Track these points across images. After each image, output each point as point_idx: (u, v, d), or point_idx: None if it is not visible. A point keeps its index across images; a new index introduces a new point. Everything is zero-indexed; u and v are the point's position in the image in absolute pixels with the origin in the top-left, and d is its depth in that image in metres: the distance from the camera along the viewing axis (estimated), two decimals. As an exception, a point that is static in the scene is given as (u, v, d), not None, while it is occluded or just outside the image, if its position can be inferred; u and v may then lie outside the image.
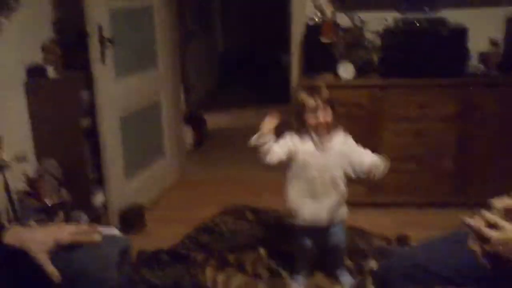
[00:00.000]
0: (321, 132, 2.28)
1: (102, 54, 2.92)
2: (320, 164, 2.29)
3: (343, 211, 2.41)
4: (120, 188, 3.23)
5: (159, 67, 3.69)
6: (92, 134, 3.06)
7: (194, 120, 4.94)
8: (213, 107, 6.36)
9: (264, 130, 2.26)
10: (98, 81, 2.93)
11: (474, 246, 1.23)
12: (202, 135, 5.06)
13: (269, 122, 2.26)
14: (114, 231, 2.18)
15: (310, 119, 2.27)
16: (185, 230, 3.10)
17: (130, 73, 3.30)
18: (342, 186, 2.34)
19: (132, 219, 3.18)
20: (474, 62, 3.34)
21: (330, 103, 2.29)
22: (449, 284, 1.35)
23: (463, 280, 1.36)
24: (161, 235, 3.09)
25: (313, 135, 2.29)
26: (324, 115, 2.26)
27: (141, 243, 2.87)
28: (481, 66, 3.28)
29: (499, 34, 3.35)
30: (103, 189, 3.13)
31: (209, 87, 7.39)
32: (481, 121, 3.18)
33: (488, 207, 1.30)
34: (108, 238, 1.54)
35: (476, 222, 1.24)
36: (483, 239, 1.20)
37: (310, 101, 2.26)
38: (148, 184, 3.59)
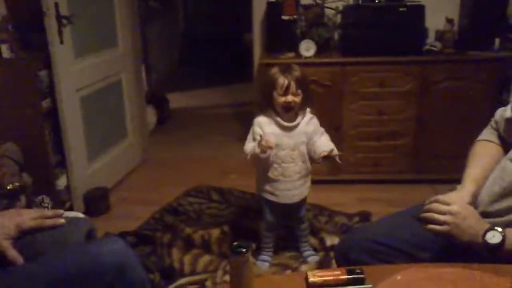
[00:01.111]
0: (285, 112, 2.27)
1: (60, 33, 2.85)
2: (288, 144, 2.30)
3: (307, 187, 2.46)
4: (83, 170, 3.19)
5: (119, 46, 3.63)
6: (53, 116, 2.99)
7: (156, 99, 4.90)
8: (176, 87, 6.31)
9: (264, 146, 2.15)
10: (56, 61, 2.86)
11: (429, 226, 1.31)
12: (165, 115, 5.03)
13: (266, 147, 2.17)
14: (78, 214, 2.17)
15: (279, 98, 2.24)
16: (150, 211, 3.10)
17: (90, 52, 3.23)
18: (309, 163, 2.38)
19: (96, 202, 3.15)
20: (431, 40, 3.42)
21: (302, 82, 2.26)
22: (408, 258, 1.41)
23: (421, 254, 1.43)
24: (126, 216, 3.08)
25: (280, 114, 2.29)
26: (294, 96, 2.23)
27: (106, 225, 2.86)
28: (438, 44, 3.36)
29: (455, 12, 3.43)
30: (66, 172, 3.09)
31: (171, 66, 7.31)
32: (438, 98, 3.27)
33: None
34: (72, 222, 1.54)
35: (432, 206, 1.32)
36: (438, 222, 1.29)
37: (280, 79, 2.23)
38: (112, 166, 3.56)
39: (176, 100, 5.66)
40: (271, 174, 2.35)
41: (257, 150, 2.18)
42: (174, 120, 5.18)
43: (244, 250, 0.76)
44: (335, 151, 2.21)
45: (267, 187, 2.40)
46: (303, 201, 2.48)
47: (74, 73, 3.04)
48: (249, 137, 2.33)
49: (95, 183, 3.24)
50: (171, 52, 7.45)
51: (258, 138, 2.22)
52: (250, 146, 2.28)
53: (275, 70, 2.28)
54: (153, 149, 4.25)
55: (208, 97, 6.26)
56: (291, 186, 2.37)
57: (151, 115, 4.67)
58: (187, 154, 4.24)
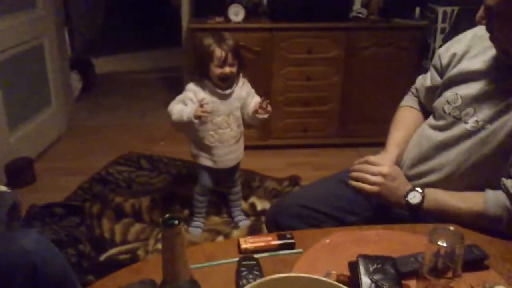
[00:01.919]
0: (223, 83, 2.28)
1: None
2: (223, 110, 2.32)
3: (242, 151, 2.49)
4: (4, 140, 3.03)
5: (38, 6, 3.44)
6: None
7: (81, 64, 4.70)
8: (101, 51, 6.06)
9: (197, 113, 2.16)
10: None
11: (357, 185, 1.36)
12: (90, 81, 4.84)
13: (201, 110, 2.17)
14: (1, 187, 2.08)
15: (216, 70, 2.23)
16: (78, 181, 3.02)
17: (3, 13, 3.03)
18: (242, 127, 2.42)
19: (20, 173, 3.02)
20: (357, 7, 3.50)
21: (237, 52, 2.27)
22: (337, 222, 1.47)
23: (348, 217, 1.50)
24: (53, 187, 2.99)
25: (214, 83, 2.28)
26: (230, 67, 2.24)
27: (31, 197, 2.77)
28: (364, 11, 3.44)
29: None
30: (-16, 142, 2.93)
31: (96, 29, 7.01)
32: (363, 64, 3.37)
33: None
34: (-5, 196, 1.48)
35: (362, 167, 1.37)
36: (368, 182, 1.34)
37: (218, 51, 2.21)
38: (35, 134, 3.41)
39: (102, 65, 5.45)
40: (207, 141, 2.36)
41: (190, 115, 2.17)
42: (100, 86, 5.01)
43: (176, 221, 0.77)
44: (265, 101, 2.26)
45: (204, 153, 2.41)
46: (238, 164, 2.53)
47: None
48: (178, 99, 2.31)
49: (18, 153, 3.10)
50: (95, 14, 7.13)
51: (190, 103, 2.22)
52: (176, 108, 2.25)
53: (209, 41, 2.25)
54: (78, 116, 4.11)
55: (135, 62, 6.08)
56: (228, 150, 2.40)
57: (76, 81, 4.48)
58: (114, 121, 4.13)
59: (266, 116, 2.31)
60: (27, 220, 2.54)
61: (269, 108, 2.28)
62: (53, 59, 3.64)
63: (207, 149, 2.39)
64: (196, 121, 2.19)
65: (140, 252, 2.37)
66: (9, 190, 1.91)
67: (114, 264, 2.23)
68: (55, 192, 2.87)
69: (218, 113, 2.31)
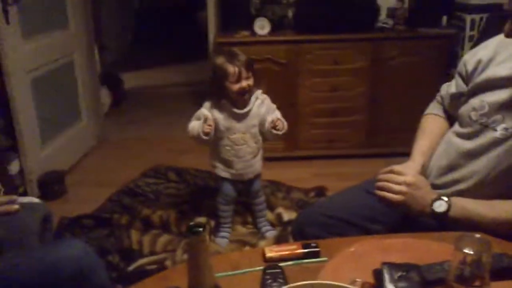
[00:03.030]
0: (242, 97, 2.30)
1: (6, 13, 2.75)
2: (239, 129, 2.35)
3: (260, 164, 2.51)
4: (37, 154, 3.12)
5: (70, 26, 3.54)
6: (3, 99, 2.90)
7: (110, 80, 4.80)
8: (130, 66, 6.19)
9: (204, 130, 2.24)
10: (3, 42, 2.76)
11: (382, 193, 1.35)
12: (119, 95, 4.94)
13: (206, 126, 2.24)
14: (33, 199, 2.13)
15: (233, 86, 2.26)
16: (107, 194, 3.07)
17: (39, 33, 3.14)
18: (261, 142, 2.44)
19: (51, 186, 3.10)
20: (383, 17, 3.49)
21: (250, 65, 2.30)
22: (362, 231, 1.47)
23: (374, 226, 1.49)
24: (83, 200, 3.05)
25: (233, 100, 2.31)
26: (247, 80, 2.27)
27: (62, 209, 2.82)
28: (390, 21, 3.43)
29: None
30: (19, 156, 3.01)
31: (125, 45, 7.16)
32: (390, 74, 3.35)
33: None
34: (27, 207, 1.52)
35: (387, 176, 1.36)
36: (393, 192, 1.33)
37: (231, 68, 2.25)
38: (66, 148, 3.49)
39: (131, 80, 5.57)
40: (224, 155, 2.40)
41: (200, 131, 2.23)
42: (129, 100, 5.10)
43: (200, 229, 0.78)
44: (280, 120, 2.30)
45: (222, 165, 2.45)
46: (257, 176, 2.54)
47: (24, 54, 2.95)
48: (195, 115, 2.36)
49: (50, 167, 3.17)
50: (124, 31, 7.28)
51: (202, 119, 2.27)
52: (191, 125, 2.32)
53: (221, 60, 2.29)
54: (108, 130, 4.19)
55: (163, 76, 6.18)
56: (244, 165, 2.43)
57: (106, 96, 4.58)
58: (143, 135, 4.20)
59: (280, 133, 2.32)
60: (58, 232, 2.59)
61: (281, 125, 2.30)
62: (83, 75, 3.73)
63: (225, 162, 2.43)
64: (205, 137, 2.24)
65: (168, 263, 2.39)
66: (41, 202, 1.96)
67: (142, 275, 2.24)
68: (85, 204, 2.93)
69: (233, 131, 2.34)
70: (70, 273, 1.28)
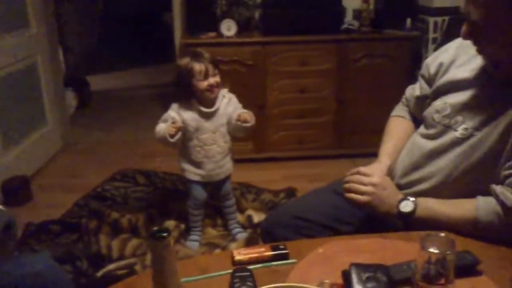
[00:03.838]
0: (211, 94, 2.30)
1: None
2: (208, 127, 2.35)
3: (231, 164, 2.52)
4: (-1, 159, 3.04)
5: (32, 27, 3.46)
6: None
7: (76, 82, 4.72)
8: (96, 68, 6.09)
9: (169, 132, 2.23)
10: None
11: (349, 195, 1.38)
12: (85, 98, 4.86)
13: (172, 128, 2.24)
14: (-4, 206, 2.08)
15: (202, 84, 2.27)
16: (74, 198, 3.01)
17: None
18: (230, 142, 2.45)
19: (15, 191, 3.02)
20: (349, 19, 3.53)
21: (215, 63, 2.33)
22: (330, 232, 1.48)
23: (342, 227, 1.51)
24: (49, 205, 2.98)
25: (201, 100, 2.31)
26: (214, 77, 2.29)
27: (28, 214, 2.77)
28: (356, 23, 3.48)
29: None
30: (-20, 161, 2.94)
31: (90, 47, 7.03)
32: (356, 75, 3.39)
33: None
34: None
35: (354, 177, 1.38)
36: (360, 192, 1.36)
37: (197, 66, 2.26)
38: (31, 152, 3.41)
39: (97, 82, 5.48)
40: (194, 156, 2.40)
41: (166, 134, 2.22)
42: (96, 103, 5.02)
43: (164, 234, 0.77)
44: (246, 113, 2.31)
45: (192, 168, 2.44)
46: (227, 177, 2.54)
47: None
48: (162, 118, 2.35)
49: (14, 172, 3.10)
50: (89, 32, 7.15)
51: (169, 121, 2.26)
52: (158, 128, 2.31)
53: (187, 60, 2.30)
54: (74, 133, 4.12)
55: (130, 78, 6.11)
56: (215, 166, 2.43)
57: (71, 99, 4.50)
58: (110, 138, 4.14)
59: (249, 125, 2.32)
60: (23, 239, 2.54)
61: (249, 117, 2.31)
62: (47, 77, 3.66)
63: (195, 164, 2.42)
64: (171, 140, 2.23)
65: (138, 267, 2.36)
66: (2, 209, 1.91)
67: (111, 280, 2.19)
68: (52, 209, 2.87)
69: (203, 131, 2.35)
70: None
